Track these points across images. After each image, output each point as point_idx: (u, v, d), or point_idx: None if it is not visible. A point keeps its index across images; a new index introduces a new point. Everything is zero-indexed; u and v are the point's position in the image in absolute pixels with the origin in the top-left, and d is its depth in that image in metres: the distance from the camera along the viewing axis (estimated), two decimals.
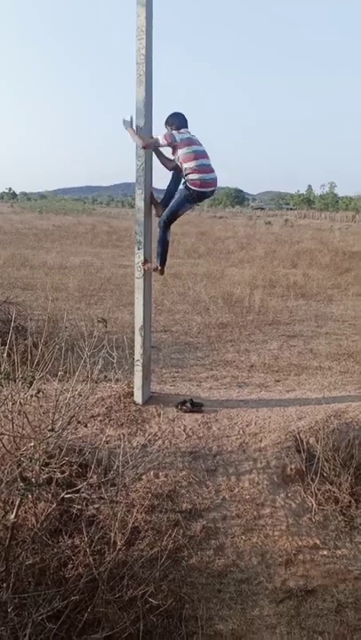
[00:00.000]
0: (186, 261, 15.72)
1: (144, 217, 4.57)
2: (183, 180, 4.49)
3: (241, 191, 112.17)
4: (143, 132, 4.42)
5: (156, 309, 8.56)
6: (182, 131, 4.45)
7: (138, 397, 4.61)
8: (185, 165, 4.39)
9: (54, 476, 3.30)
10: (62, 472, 3.38)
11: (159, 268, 4.69)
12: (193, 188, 4.41)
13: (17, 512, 3.01)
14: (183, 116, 4.56)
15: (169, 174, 4.72)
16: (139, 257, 4.63)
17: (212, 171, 4.46)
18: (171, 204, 4.61)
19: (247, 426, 4.43)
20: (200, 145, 4.44)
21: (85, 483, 3.34)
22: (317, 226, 38.33)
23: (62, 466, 3.31)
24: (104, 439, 3.97)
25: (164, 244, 4.65)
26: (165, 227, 4.62)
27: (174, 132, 4.42)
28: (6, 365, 3.00)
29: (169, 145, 4.42)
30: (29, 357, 4.21)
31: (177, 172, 4.64)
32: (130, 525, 3.44)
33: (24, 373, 2.96)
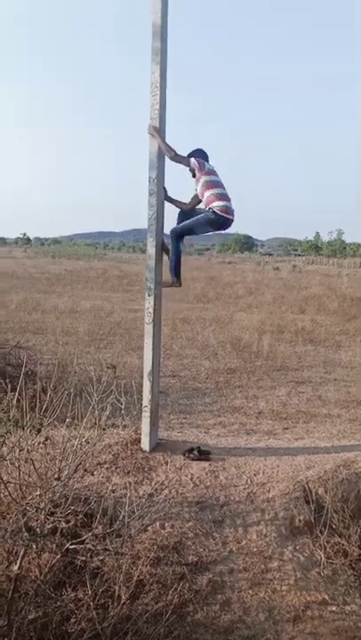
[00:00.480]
0: (195, 306, 15.84)
1: (155, 264, 4.66)
2: (208, 208, 4.60)
3: (250, 237, 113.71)
4: (156, 183, 4.55)
5: (164, 354, 8.58)
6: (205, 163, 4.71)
7: (145, 444, 4.58)
8: (208, 192, 4.58)
9: (59, 525, 3.26)
10: (67, 522, 3.35)
11: (175, 282, 4.79)
12: (220, 214, 4.55)
13: (20, 563, 2.97)
14: (205, 152, 4.82)
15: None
16: (149, 303, 4.69)
17: (231, 202, 4.64)
18: (190, 220, 4.72)
19: (255, 475, 4.37)
20: (220, 178, 4.68)
21: (90, 533, 3.29)
22: (325, 272, 38.60)
23: (68, 515, 3.28)
24: (110, 488, 3.93)
25: (177, 256, 4.73)
26: (178, 238, 4.71)
27: (203, 160, 4.67)
28: (15, 412, 3.02)
29: (197, 169, 4.62)
30: (38, 403, 4.23)
31: (189, 212, 4.79)
32: (135, 578, 3.37)
33: (32, 421, 2.97)
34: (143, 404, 4.64)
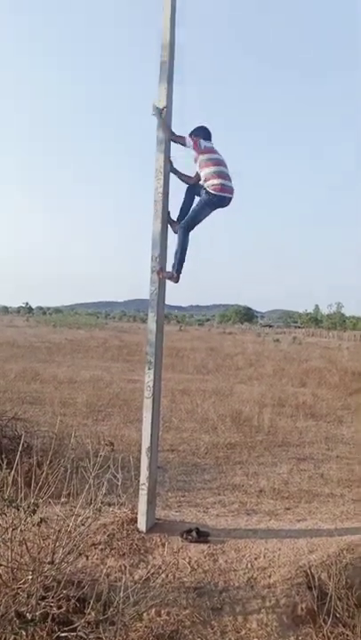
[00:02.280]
0: (195, 377, 15.79)
1: (155, 339, 4.70)
2: (203, 188, 4.66)
3: (250, 309, 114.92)
4: (159, 261, 4.67)
5: (163, 427, 8.47)
6: (206, 141, 4.80)
7: (142, 524, 4.44)
8: (205, 170, 4.62)
9: (50, 611, 3.12)
10: (59, 607, 3.20)
11: (175, 275, 4.67)
12: (214, 192, 4.57)
13: None
14: (208, 129, 4.89)
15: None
16: (149, 377, 4.69)
17: (230, 180, 4.68)
18: (191, 210, 4.73)
19: (256, 559, 4.20)
20: (220, 155, 4.74)
21: (83, 620, 3.14)
22: (325, 344, 38.72)
23: (60, 600, 3.15)
24: (105, 571, 3.77)
25: (183, 250, 4.68)
26: (185, 232, 4.68)
27: (201, 139, 4.74)
28: (10, 490, 2.96)
29: (193, 148, 4.69)
30: (33, 477, 4.14)
31: (192, 187, 4.82)
32: None
33: (28, 502, 2.91)
34: (140, 482, 4.54)
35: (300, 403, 11.57)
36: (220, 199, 4.65)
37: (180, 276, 4.72)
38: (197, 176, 4.77)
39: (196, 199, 4.79)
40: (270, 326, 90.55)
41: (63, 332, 41.35)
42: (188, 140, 4.75)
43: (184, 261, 4.71)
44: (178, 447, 7.79)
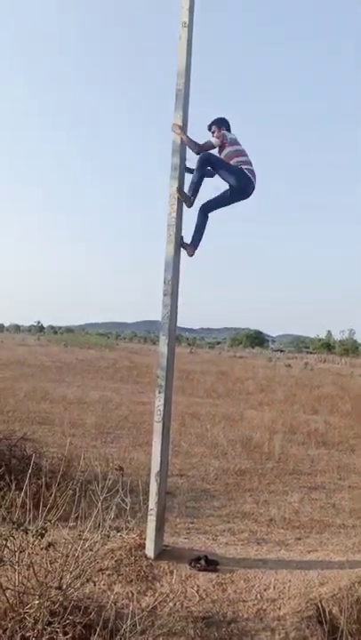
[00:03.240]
0: (205, 401, 15.69)
1: (167, 362, 4.69)
2: (223, 168, 4.84)
3: (261, 332, 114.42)
4: (171, 284, 4.68)
5: (172, 451, 8.39)
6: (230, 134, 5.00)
7: (150, 550, 4.37)
8: (234, 161, 4.83)
9: (57, 637, 3.06)
10: (65, 633, 3.14)
11: (189, 247, 4.84)
12: (247, 172, 4.81)
13: None
14: (228, 121, 5.11)
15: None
16: (159, 401, 4.67)
17: (254, 175, 4.90)
18: (217, 196, 4.92)
19: (265, 590, 4.11)
20: (242, 146, 4.94)
21: None
22: (338, 371, 38.36)
23: (66, 626, 3.09)
24: (112, 598, 3.70)
25: (200, 229, 4.89)
26: (204, 212, 4.90)
27: (224, 131, 4.95)
28: (19, 513, 2.94)
29: (221, 145, 4.88)
30: (41, 499, 4.11)
31: (201, 168, 4.87)
32: None
33: (36, 525, 2.88)
34: (149, 508, 4.48)
35: (312, 430, 11.43)
36: (248, 182, 4.84)
37: (196, 251, 4.92)
38: (209, 144, 4.90)
39: (207, 182, 4.93)
40: (282, 351, 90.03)
41: (74, 351, 41.42)
42: (215, 141, 4.90)
43: (200, 240, 4.90)
44: (187, 472, 7.71)
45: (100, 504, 3.99)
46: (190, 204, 4.83)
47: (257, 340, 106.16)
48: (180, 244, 4.79)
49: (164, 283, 4.73)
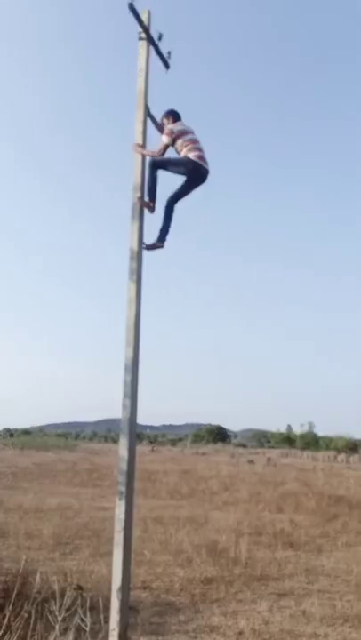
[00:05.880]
0: (168, 503, 15.18)
1: (127, 466, 4.61)
2: (180, 163, 5.19)
3: (222, 428, 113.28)
4: (131, 386, 4.72)
5: (135, 560, 7.95)
6: (177, 123, 5.35)
7: None
8: (184, 151, 5.14)
9: None
10: None
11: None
12: (194, 159, 5.09)
13: None
14: (177, 111, 5.46)
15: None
16: (120, 508, 4.52)
17: (206, 162, 5.24)
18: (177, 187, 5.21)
19: None
20: (193, 133, 5.29)
21: None
22: (300, 465, 37.99)
23: None
24: None
25: (167, 222, 5.18)
26: (169, 205, 5.22)
27: (170, 125, 5.28)
28: None
29: (172, 139, 5.19)
30: None
31: (155, 164, 5.20)
32: None
33: None
34: (110, 628, 4.21)
35: (278, 530, 11.10)
36: (198, 167, 5.14)
37: (164, 245, 5.18)
38: (165, 147, 5.22)
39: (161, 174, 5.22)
40: (244, 446, 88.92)
41: (31, 454, 39.77)
42: (166, 139, 5.22)
43: (168, 232, 5.19)
44: (151, 584, 7.29)
45: (57, 626, 3.74)
46: (152, 210, 5.19)
47: (219, 435, 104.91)
48: (138, 347, 4.89)
49: (124, 384, 4.76)
